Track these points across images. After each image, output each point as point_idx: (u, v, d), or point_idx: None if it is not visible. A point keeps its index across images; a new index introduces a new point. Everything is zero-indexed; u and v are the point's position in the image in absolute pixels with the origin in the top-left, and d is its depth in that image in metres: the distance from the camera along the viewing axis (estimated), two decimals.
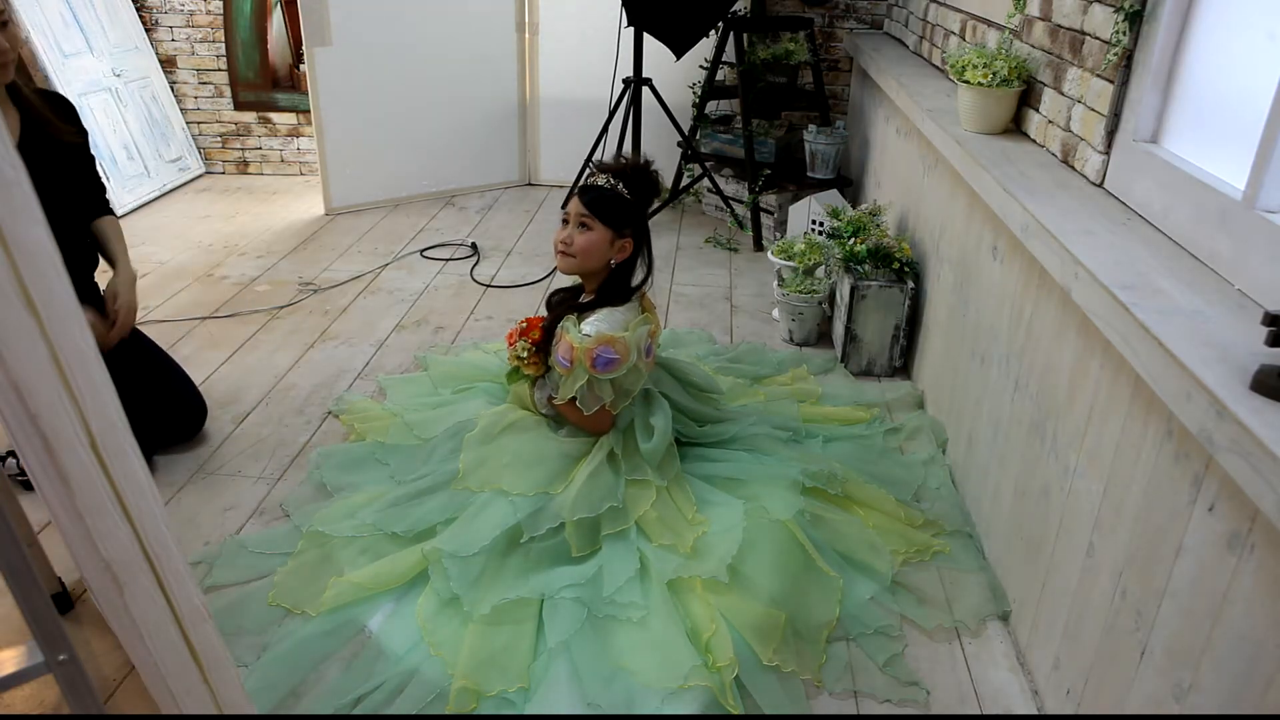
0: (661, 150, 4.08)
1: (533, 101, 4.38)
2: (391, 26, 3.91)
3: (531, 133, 4.44)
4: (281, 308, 3.10)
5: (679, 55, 3.53)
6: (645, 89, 3.71)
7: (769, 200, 3.73)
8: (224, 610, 1.74)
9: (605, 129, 3.86)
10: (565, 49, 4.25)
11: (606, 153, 3.89)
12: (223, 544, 1.92)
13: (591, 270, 2.04)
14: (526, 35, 4.25)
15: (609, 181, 1.99)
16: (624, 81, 3.71)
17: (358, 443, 2.27)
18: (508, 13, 4.18)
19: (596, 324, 1.95)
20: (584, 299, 2.08)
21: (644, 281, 2.08)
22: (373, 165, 4.09)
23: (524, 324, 2.10)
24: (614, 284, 2.03)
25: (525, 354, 2.07)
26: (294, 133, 4.56)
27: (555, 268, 3.40)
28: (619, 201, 1.99)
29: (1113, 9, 1.67)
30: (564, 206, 4.13)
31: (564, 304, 2.11)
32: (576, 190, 2.06)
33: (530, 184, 4.56)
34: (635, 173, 2.02)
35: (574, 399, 1.95)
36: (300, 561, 1.86)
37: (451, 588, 1.72)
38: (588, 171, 2.08)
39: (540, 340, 2.06)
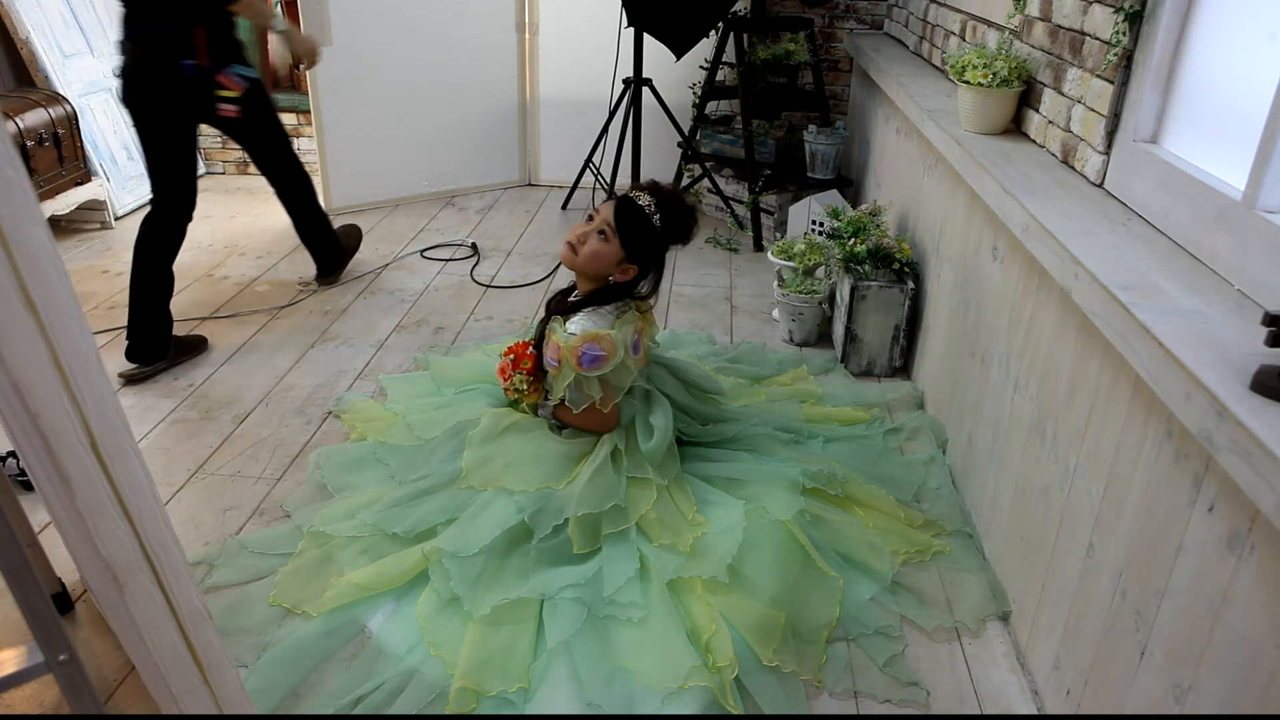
0: (661, 150, 4.08)
1: (532, 101, 4.38)
2: (391, 26, 3.91)
3: (531, 133, 4.44)
4: (281, 308, 3.10)
5: (679, 56, 3.53)
6: (645, 89, 3.71)
7: (769, 200, 3.73)
8: (224, 610, 1.74)
9: (605, 129, 3.86)
10: (565, 49, 4.25)
11: (607, 153, 3.89)
12: (223, 544, 1.92)
13: (589, 275, 2.04)
14: (526, 35, 4.25)
15: (651, 205, 1.98)
16: (624, 82, 3.71)
17: (358, 443, 2.27)
18: (507, 12, 4.18)
19: (582, 322, 1.95)
20: (573, 299, 2.08)
21: (646, 296, 2.08)
22: (373, 165, 4.09)
23: (511, 355, 2.10)
24: (605, 296, 2.03)
25: (524, 386, 2.08)
26: (294, 133, 4.55)
27: (555, 268, 3.42)
28: (647, 229, 1.98)
29: (1113, 9, 1.67)
30: (564, 206, 4.16)
31: (553, 304, 2.11)
32: (617, 196, 2.04)
33: (530, 184, 4.56)
34: (677, 208, 2.01)
35: (565, 400, 1.96)
36: (301, 562, 1.86)
37: (452, 588, 1.72)
38: (635, 184, 2.06)
39: (533, 368, 2.08)
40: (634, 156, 3.71)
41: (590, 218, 2.02)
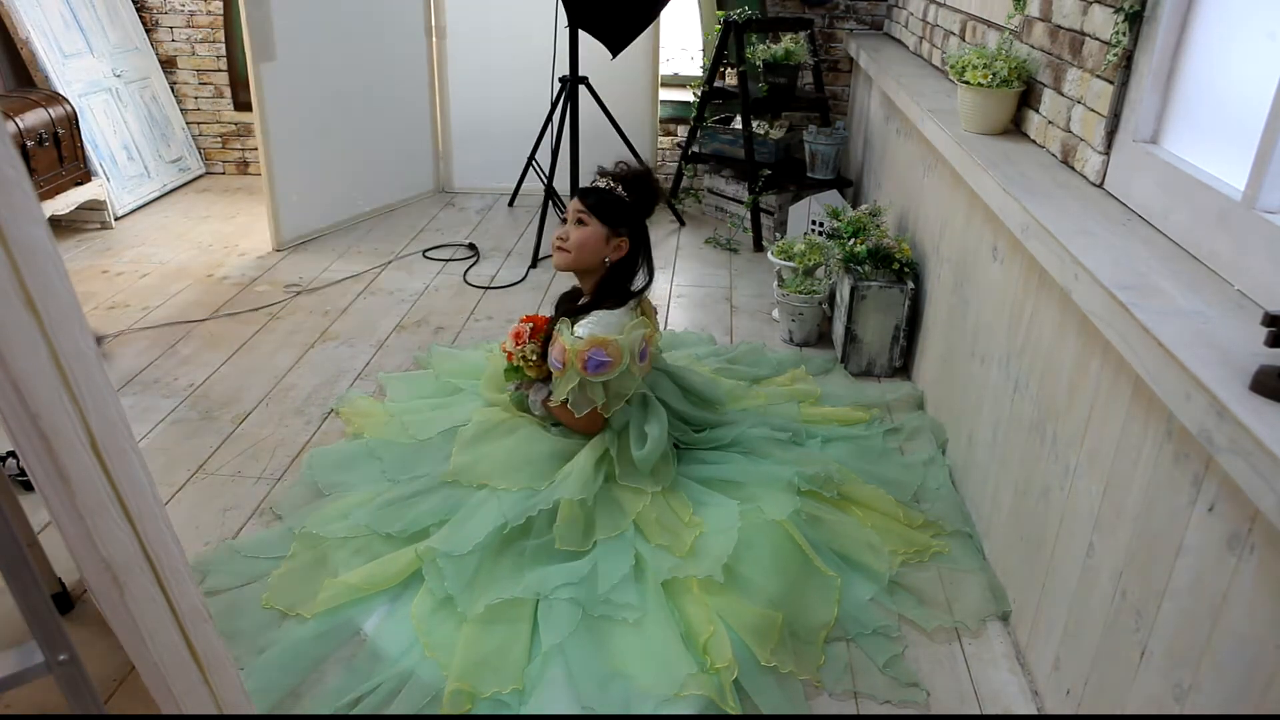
0: (606, 145, 3.81)
1: (443, 109, 4.25)
2: (334, 38, 3.64)
3: (445, 140, 4.30)
4: (280, 304, 3.10)
5: (615, 54, 3.50)
6: (582, 87, 3.58)
7: (769, 200, 3.73)
8: (219, 614, 1.73)
9: (544, 129, 3.78)
10: (475, 51, 4.15)
11: (564, 153, 3.82)
12: (216, 549, 1.91)
13: (587, 267, 2.06)
14: (436, 38, 4.11)
15: (608, 184, 2.04)
16: (560, 80, 3.60)
17: (352, 441, 2.27)
18: (418, 18, 4.04)
19: (590, 326, 1.96)
20: (582, 301, 2.09)
21: (645, 287, 2.11)
22: (322, 188, 3.76)
23: (530, 324, 2.12)
24: (611, 285, 2.06)
25: (533, 357, 2.09)
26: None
27: (540, 260, 3.41)
28: (616, 202, 2.02)
29: (1113, 9, 1.67)
30: (510, 204, 4.13)
31: (562, 306, 2.12)
32: (577, 191, 2.10)
33: (444, 191, 4.41)
34: (635, 177, 2.07)
35: (566, 401, 1.96)
36: (294, 564, 1.85)
37: (446, 587, 1.72)
38: (595, 175, 2.10)
39: (544, 346, 2.08)
40: (572, 152, 3.57)
41: (563, 221, 2.08)
